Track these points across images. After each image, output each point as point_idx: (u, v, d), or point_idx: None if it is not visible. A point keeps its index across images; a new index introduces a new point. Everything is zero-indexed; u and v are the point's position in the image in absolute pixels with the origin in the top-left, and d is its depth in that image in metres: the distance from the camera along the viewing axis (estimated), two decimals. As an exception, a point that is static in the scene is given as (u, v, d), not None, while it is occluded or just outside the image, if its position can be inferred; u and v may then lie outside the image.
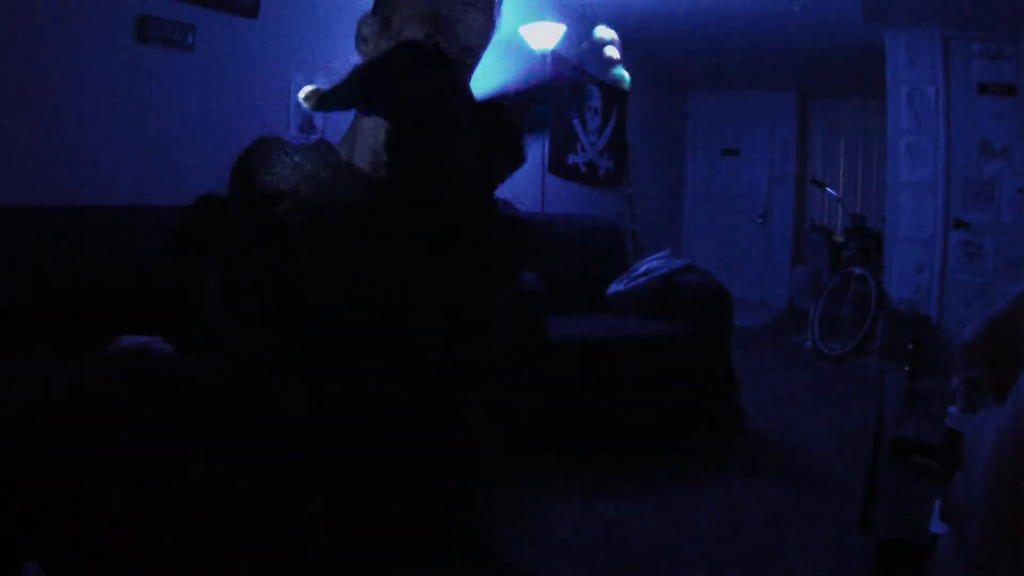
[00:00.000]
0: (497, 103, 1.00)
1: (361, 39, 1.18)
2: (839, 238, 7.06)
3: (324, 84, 1.01)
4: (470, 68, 1.16)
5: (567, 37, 5.25)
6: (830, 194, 7.45)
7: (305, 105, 1.03)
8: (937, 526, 1.34)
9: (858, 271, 6.27)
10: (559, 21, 5.20)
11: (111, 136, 2.93)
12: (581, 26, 6.17)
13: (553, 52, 5.16)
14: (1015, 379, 0.36)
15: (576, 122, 6.48)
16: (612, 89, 7.11)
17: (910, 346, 2.93)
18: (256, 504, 1.07)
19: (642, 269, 4.36)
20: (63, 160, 2.76)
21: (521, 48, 5.12)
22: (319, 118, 3.77)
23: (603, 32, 1.14)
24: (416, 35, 1.08)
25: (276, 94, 3.62)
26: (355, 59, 1.13)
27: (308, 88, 1.01)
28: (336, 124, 1.18)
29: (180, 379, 1.79)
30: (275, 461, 1.06)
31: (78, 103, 2.82)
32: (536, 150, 5.55)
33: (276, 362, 1.07)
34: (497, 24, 1.18)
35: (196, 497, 1.12)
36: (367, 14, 1.18)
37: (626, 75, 1.14)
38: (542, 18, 5.21)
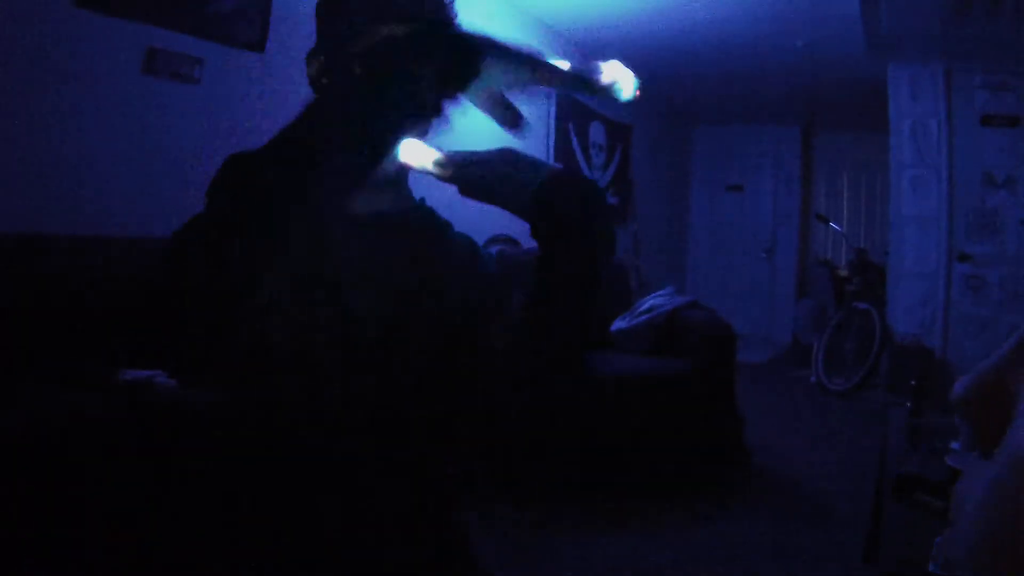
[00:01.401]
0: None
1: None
2: (843, 272, 7.06)
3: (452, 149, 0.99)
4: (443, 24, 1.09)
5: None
6: (834, 229, 7.45)
7: (432, 170, 0.91)
8: (935, 566, 1.33)
9: (862, 305, 6.25)
10: (563, 58, 5.23)
11: (115, 166, 2.93)
12: (586, 63, 6.19)
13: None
14: (1003, 436, 0.36)
15: (580, 158, 6.49)
16: (616, 125, 7.14)
17: (913, 381, 2.91)
18: (256, 504, 1.07)
19: (645, 306, 4.34)
20: (67, 189, 2.76)
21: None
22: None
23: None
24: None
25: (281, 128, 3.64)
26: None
27: (433, 152, 0.87)
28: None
29: (180, 408, 1.79)
30: (275, 461, 1.06)
31: (84, 133, 2.83)
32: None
33: (274, 361, 1.08)
34: None
35: (197, 498, 1.13)
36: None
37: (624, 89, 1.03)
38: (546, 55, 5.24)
